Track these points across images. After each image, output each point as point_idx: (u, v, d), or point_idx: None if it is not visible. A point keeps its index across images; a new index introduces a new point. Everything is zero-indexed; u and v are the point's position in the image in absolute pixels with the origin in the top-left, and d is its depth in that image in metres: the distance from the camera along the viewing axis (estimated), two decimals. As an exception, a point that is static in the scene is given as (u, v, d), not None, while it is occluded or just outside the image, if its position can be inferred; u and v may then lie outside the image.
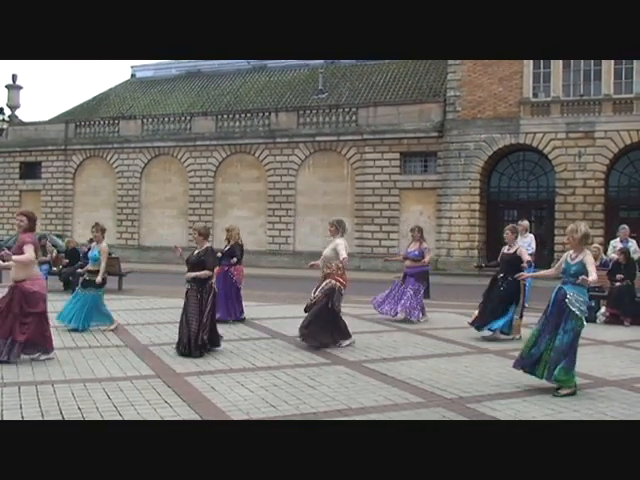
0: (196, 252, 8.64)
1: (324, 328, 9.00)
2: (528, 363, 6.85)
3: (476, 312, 10.46)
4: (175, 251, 9.34)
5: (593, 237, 17.28)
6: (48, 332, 7.82)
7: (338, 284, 9.12)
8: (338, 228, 9.37)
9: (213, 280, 8.65)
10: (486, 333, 10.18)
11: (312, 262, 9.90)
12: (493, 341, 9.94)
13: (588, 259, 6.74)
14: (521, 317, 10.23)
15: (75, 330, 9.93)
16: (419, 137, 28.83)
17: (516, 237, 10.56)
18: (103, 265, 10.14)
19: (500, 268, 10.46)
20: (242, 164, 32.18)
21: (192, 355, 8.14)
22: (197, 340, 8.21)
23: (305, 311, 9.32)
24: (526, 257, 10.23)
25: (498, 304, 10.10)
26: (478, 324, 10.22)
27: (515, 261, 10.14)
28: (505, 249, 10.54)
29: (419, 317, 11.87)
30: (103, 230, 10.47)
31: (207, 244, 8.73)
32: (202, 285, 8.42)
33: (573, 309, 6.66)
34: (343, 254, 8.99)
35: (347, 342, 9.18)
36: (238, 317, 11.39)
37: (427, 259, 12.42)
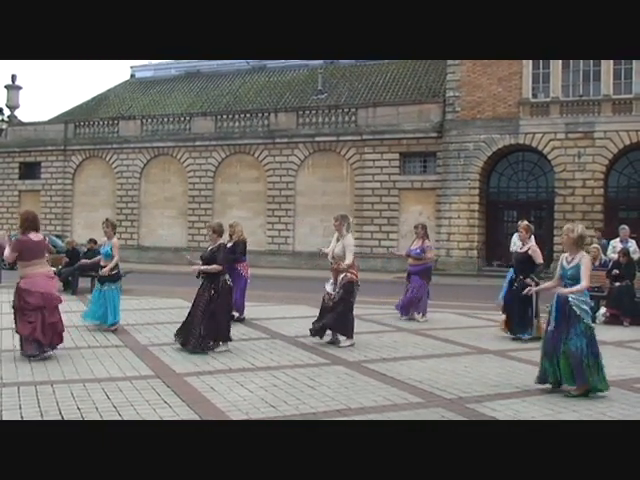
0: (209, 249, 8.77)
1: (345, 319, 9.27)
2: (549, 378, 6.77)
3: (503, 316, 10.44)
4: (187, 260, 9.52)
5: (593, 238, 17.39)
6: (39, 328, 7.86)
7: (355, 277, 9.32)
8: (342, 223, 9.46)
9: (227, 277, 8.70)
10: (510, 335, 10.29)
11: (324, 250, 9.87)
12: (494, 341, 9.94)
13: (584, 261, 6.61)
14: (536, 316, 10.07)
15: (112, 328, 10.06)
16: (418, 137, 28.83)
17: (530, 236, 10.32)
18: (116, 258, 10.33)
19: (514, 268, 10.39)
20: (241, 164, 32.18)
21: (190, 349, 8.33)
22: (198, 334, 8.37)
23: (324, 310, 9.38)
24: (539, 259, 10.08)
25: (522, 311, 9.99)
26: (509, 331, 10.27)
27: (526, 260, 10.06)
28: (518, 248, 10.45)
29: (417, 314, 11.99)
30: (114, 226, 10.65)
31: (220, 241, 8.83)
32: (214, 282, 8.52)
33: (578, 312, 6.57)
34: (348, 260, 9.18)
35: (348, 343, 9.19)
36: (242, 314, 11.42)
37: (429, 256, 12.48)
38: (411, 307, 12.11)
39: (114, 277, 10.38)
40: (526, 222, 10.65)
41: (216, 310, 8.43)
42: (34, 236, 7.93)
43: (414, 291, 12.08)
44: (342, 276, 9.25)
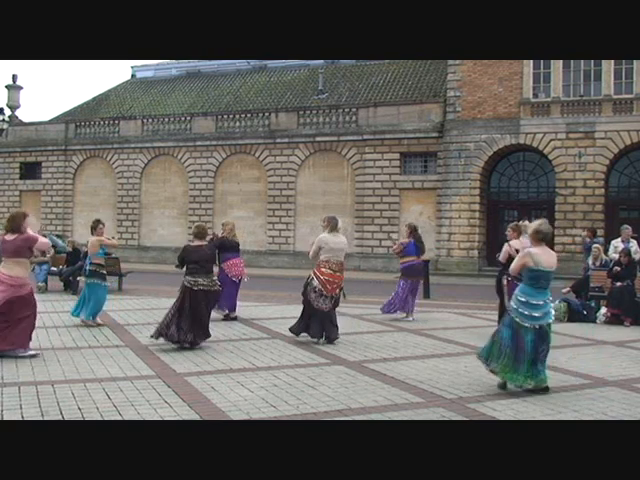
0: None
1: (300, 321, 9.56)
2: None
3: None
4: None
5: (586, 238, 17.24)
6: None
7: (312, 276, 9.45)
8: (328, 224, 9.61)
9: (189, 278, 8.87)
10: None
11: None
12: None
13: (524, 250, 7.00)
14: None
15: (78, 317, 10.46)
16: (419, 137, 28.82)
17: (518, 235, 10.32)
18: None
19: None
20: (242, 164, 32.18)
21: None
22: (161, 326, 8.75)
23: None
24: (500, 256, 10.38)
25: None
26: None
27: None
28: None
29: (396, 311, 12.12)
30: (94, 227, 10.83)
31: (197, 242, 9.12)
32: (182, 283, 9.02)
33: (511, 307, 6.86)
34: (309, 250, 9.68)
35: (320, 341, 9.30)
36: (232, 313, 11.48)
37: (393, 247, 12.64)
38: (392, 306, 12.14)
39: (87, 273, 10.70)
40: (515, 223, 10.76)
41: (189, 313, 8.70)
42: (8, 236, 8.00)
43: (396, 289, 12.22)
44: None
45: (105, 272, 10.87)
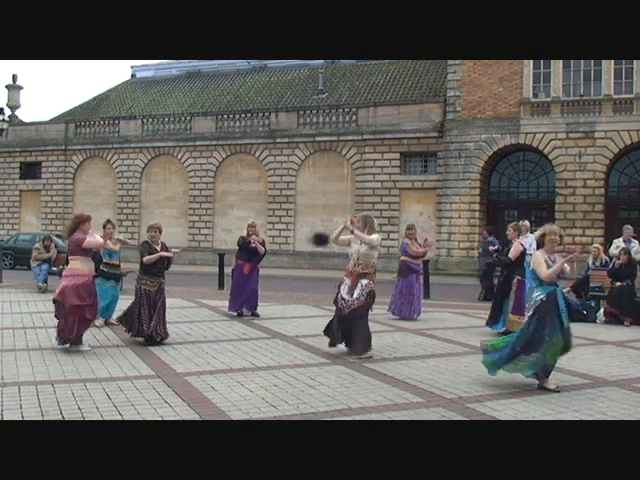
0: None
1: (366, 334, 8.37)
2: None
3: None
4: None
5: (593, 237, 17.26)
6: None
7: (374, 285, 8.40)
8: (366, 224, 8.43)
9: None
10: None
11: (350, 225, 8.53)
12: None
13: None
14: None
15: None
16: (419, 137, 28.83)
17: (518, 235, 10.71)
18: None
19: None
20: (242, 164, 32.19)
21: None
22: None
23: (339, 319, 8.43)
24: (512, 252, 10.44)
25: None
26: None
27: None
28: (527, 245, 10.87)
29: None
30: (104, 226, 11.05)
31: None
32: None
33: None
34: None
35: (368, 353, 8.35)
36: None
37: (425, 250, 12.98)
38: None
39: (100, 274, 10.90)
40: (515, 223, 11.00)
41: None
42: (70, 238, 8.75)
43: None
44: (366, 282, 8.34)
45: (110, 271, 11.08)
